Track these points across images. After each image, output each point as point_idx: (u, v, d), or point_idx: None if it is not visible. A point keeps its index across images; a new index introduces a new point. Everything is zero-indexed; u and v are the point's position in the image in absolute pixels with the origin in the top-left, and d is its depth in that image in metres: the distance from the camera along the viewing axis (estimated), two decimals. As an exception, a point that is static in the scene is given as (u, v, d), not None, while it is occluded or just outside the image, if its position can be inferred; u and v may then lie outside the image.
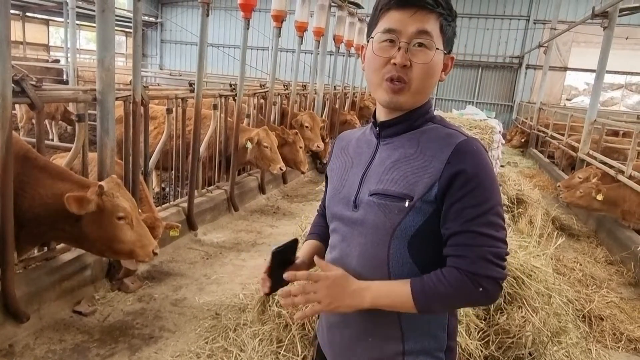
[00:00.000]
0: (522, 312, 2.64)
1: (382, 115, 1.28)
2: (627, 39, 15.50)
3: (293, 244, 1.29)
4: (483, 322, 2.62)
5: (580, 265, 4.96)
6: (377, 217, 1.19)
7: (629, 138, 9.29)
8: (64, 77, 13.07)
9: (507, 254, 1.15)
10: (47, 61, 14.64)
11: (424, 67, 1.16)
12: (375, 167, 1.24)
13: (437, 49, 1.17)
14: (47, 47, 17.83)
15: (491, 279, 1.11)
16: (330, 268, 1.20)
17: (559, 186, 7.02)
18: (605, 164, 6.82)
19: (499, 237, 1.12)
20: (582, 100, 18.30)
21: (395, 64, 1.16)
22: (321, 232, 1.50)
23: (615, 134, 10.20)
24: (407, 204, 1.15)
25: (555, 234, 4.80)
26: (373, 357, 1.26)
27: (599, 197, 5.53)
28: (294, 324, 2.73)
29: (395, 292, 1.15)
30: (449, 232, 1.14)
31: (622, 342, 3.53)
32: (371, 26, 1.24)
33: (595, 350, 3.30)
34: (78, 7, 11.55)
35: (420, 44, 1.16)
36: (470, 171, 1.12)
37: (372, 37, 1.22)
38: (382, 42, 1.18)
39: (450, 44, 1.23)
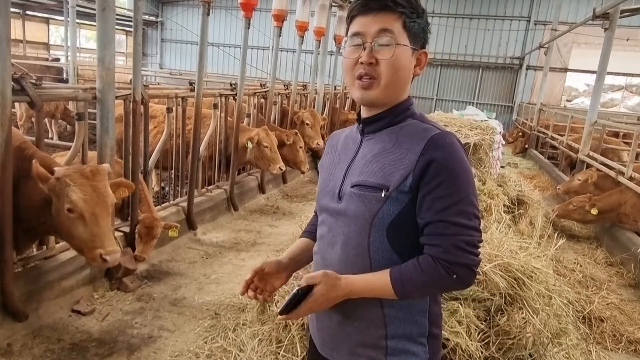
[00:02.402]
0: (522, 313, 2.62)
1: (364, 113, 1.37)
2: (627, 40, 15.48)
3: (299, 296, 1.23)
4: (483, 323, 2.61)
5: (581, 266, 4.95)
6: (357, 207, 1.27)
7: (629, 139, 9.30)
8: (64, 75, 13.06)
9: (480, 241, 1.21)
10: (47, 60, 14.62)
11: (389, 62, 1.24)
12: (358, 161, 1.33)
13: (399, 44, 1.25)
14: (47, 46, 17.80)
15: (464, 266, 1.18)
16: (316, 277, 1.23)
17: (559, 189, 7.01)
18: (605, 165, 6.81)
19: (471, 225, 1.19)
20: (582, 102, 18.28)
21: (362, 62, 1.26)
22: (314, 230, 1.56)
23: (616, 135, 10.19)
24: (383, 194, 1.23)
25: (556, 235, 4.79)
26: (357, 341, 1.33)
27: (594, 211, 5.54)
28: (293, 324, 2.73)
29: (376, 286, 1.23)
30: (423, 221, 1.21)
31: (622, 344, 3.53)
32: (346, 34, 1.35)
33: (596, 351, 3.29)
34: (78, 5, 11.55)
35: (385, 42, 1.24)
36: (442, 162, 1.19)
37: (344, 44, 1.33)
38: (351, 45, 1.30)
39: (419, 39, 1.30)
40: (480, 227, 1.23)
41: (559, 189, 6.99)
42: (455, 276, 1.17)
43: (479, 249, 1.21)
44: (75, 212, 2.75)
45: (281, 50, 14.66)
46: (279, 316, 1.25)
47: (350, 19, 1.31)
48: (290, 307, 1.22)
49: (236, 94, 5.80)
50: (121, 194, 3.14)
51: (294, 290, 1.22)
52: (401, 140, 1.27)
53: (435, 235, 1.19)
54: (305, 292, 1.22)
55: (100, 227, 2.79)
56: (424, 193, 1.19)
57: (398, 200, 1.22)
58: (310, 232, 1.56)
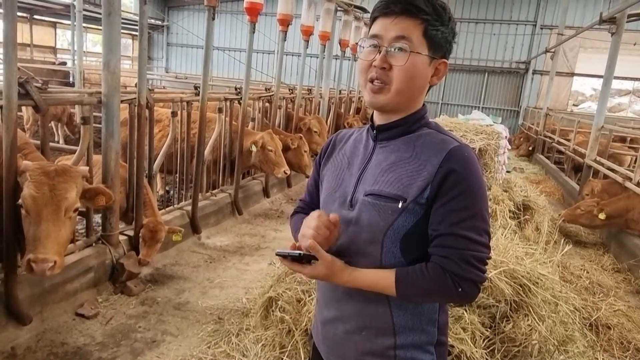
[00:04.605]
0: (528, 320, 2.60)
1: (379, 119, 1.34)
2: (635, 45, 15.42)
3: (299, 258, 1.25)
4: (489, 330, 2.58)
5: (587, 272, 4.91)
6: (371, 217, 1.24)
7: (637, 144, 9.23)
8: (71, 79, 13.15)
9: (489, 258, 1.21)
10: (54, 63, 14.74)
11: (402, 69, 1.21)
12: (372, 168, 1.30)
13: (415, 52, 1.21)
14: (54, 50, 17.96)
15: (471, 281, 1.17)
16: (323, 259, 1.22)
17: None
18: (612, 170, 6.76)
19: (481, 241, 1.18)
20: (589, 106, 18.21)
21: (375, 66, 1.23)
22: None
23: (623, 140, 10.13)
24: (400, 205, 1.21)
25: (562, 240, 4.74)
26: (365, 350, 1.31)
27: (602, 215, 5.49)
28: (297, 329, 2.71)
29: (379, 284, 1.22)
30: (435, 233, 1.20)
31: (630, 352, 3.48)
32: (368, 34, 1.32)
33: (602, 359, 3.25)
34: (85, 10, 11.63)
35: (400, 48, 1.21)
36: (459, 175, 1.17)
37: (362, 44, 1.30)
38: (368, 47, 1.27)
39: (440, 48, 1.26)
40: (490, 244, 1.22)
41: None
42: (460, 289, 1.16)
43: (486, 266, 1.20)
44: (23, 207, 2.63)
45: (286, 55, 14.68)
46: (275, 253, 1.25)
47: (371, 19, 1.29)
48: (287, 257, 1.24)
49: (241, 98, 5.81)
50: (99, 202, 2.99)
51: (297, 253, 1.22)
52: (418, 150, 1.24)
53: (445, 248, 1.17)
54: (305, 258, 1.22)
55: (40, 230, 2.59)
56: (439, 205, 1.18)
57: (414, 211, 1.20)
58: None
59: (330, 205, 1.36)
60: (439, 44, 1.24)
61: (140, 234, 3.91)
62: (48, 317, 3.22)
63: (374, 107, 1.30)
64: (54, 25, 17.88)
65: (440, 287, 1.17)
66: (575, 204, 6.05)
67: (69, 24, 15.11)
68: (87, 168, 3.11)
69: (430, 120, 1.34)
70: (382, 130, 1.32)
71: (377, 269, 1.24)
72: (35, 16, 16.75)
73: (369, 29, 1.30)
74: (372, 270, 1.24)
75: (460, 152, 1.21)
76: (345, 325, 1.33)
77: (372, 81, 1.25)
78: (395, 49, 1.21)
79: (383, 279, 1.21)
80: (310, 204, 1.54)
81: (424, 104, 1.33)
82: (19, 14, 15.77)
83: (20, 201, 2.66)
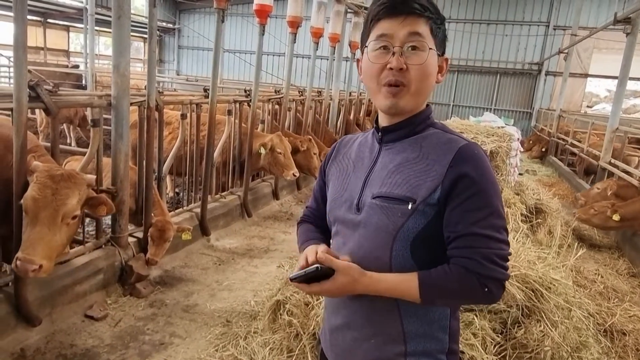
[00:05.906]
0: (540, 326, 2.55)
1: (384, 121, 1.31)
2: (650, 45, 15.16)
3: (316, 275, 1.18)
4: (500, 335, 2.54)
5: (602, 277, 4.81)
6: (379, 220, 1.21)
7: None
8: (83, 82, 13.29)
9: (510, 254, 1.18)
10: (66, 67, 14.91)
11: (420, 68, 1.19)
12: (378, 171, 1.27)
13: (431, 49, 1.21)
14: (67, 53, 18.18)
15: (497, 280, 1.14)
16: (339, 267, 1.17)
17: (579, 198, 6.84)
18: (627, 172, 6.64)
19: (502, 239, 1.16)
20: (603, 108, 17.96)
21: (391, 68, 1.19)
22: (315, 221, 1.51)
23: (639, 142, 9.96)
24: (410, 206, 1.18)
25: (576, 244, 4.67)
26: (374, 357, 1.28)
27: (615, 217, 5.38)
28: (304, 333, 2.69)
29: (400, 288, 1.17)
30: (454, 234, 1.16)
31: (646, 359, 3.40)
32: (364, 38, 1.29)
33: (618, 366, 3.18)
34: (97, 13, 11.76)
35: (414, 47, 1.19)
36: (472, 174, 1.15)
37: (367, 47, 1.26)
38: (377, 49, 1.23)
39: (443, 46, 1.27)
40: (509, 241, 1.19)
41: (578, 197, 6.82)
42: (486, 289, 1.13)
43: (508, 263, 1.18)
44: (24, 207, 2.66)
45: (296, 57, 14.70)
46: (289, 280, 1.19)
47: (371, 22, 1.24)
48: (303, 279, 1.17)
49: (250, 100, 5.81)
50: (100, 212, 2.99)
51: (314, 267, 1.16)
52: (426, 150, 1.22)
53: (466, 248, 1.14)
54: (323, 274, 1.16)
55: (35, 232, 2.61)
56: (453, 206, 1.15)
57: (425, 213, 1.17)
58: (315, 224, 1.50)
59: (337, 210, 1.33)
60: (442, 41, 1.25)
61: (148, 233, 3.92)
62: (57, 319, 3.24)
63: (393, 112, 1.25)
64: (67, 28, 18.11)
65: (466, 288, 1.14)
66: (589, 204, 5.94)
67: (82, 28, 15.30)
68: (94, 177, 3.12)
69: (436, 120, 1.32)
70: (387, 132, 1.30)
71: (397, 273, 1.20)
72: (49, 20, 16.98)
73: (367, 32, 1.26)
74: (392, 274, 1.19)
75: (470, 150, 1.18)
76: (353, 333, 1.30)
77: (389, 85, 1.20)
78: (409, 48, 1.19)
79: (405, 282, 1.17)
80: (316, 210, 1.52)
81: (428, 104, 1.31)
82: (34, 18, 16.05)
83: (22, 200, 2.68)
